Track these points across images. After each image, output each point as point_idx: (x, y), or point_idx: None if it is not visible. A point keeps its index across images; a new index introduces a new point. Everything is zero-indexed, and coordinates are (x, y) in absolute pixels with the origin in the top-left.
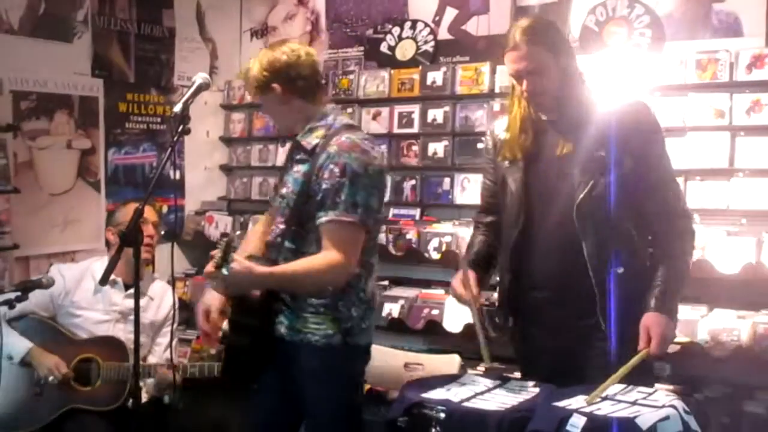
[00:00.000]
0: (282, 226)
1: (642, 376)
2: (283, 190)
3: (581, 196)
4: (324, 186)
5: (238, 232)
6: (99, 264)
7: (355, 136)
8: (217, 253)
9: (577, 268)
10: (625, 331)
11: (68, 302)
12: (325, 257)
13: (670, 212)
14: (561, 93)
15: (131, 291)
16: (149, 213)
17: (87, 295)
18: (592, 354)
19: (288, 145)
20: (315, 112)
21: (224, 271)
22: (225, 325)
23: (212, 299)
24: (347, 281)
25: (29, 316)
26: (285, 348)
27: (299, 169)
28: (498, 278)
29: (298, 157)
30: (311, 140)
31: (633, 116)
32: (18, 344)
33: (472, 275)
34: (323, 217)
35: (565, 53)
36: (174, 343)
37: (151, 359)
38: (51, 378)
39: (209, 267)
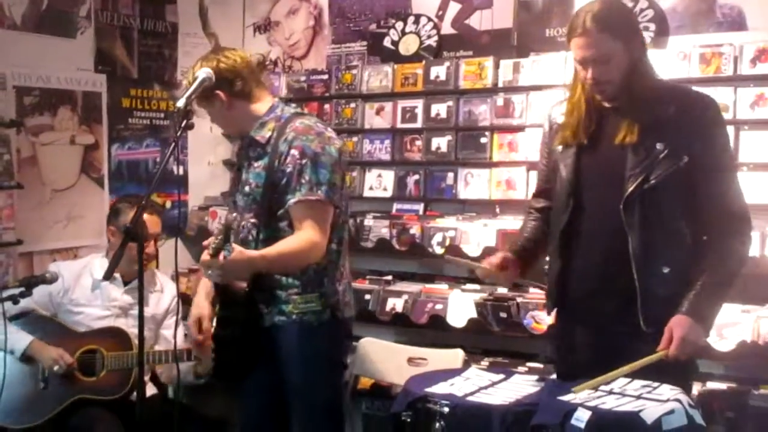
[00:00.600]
0: (253, 220)
1: (679, 379)
2: (246, 188)
3: (631, 188)
4: (288, 170)
5: (234, 214)
6: (98, 260)
7: (308, 121)
8: (212, 241)
9: (620, 263)
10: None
11: (67, 299)
12: (302, 236)
13: (726, 212)
14: (626, 81)
15: (130, 286)
16: (152, 224)
17: (86, 291)
18: (630, 357)
19: (237, 146)
20: (261, 109)
21: (225, 253)
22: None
23: (202, 308)
24: (328, 257)
25: (30, 313)
26: (273, 336)
27: (258, 164)
28: (547, 266)
29: (253, 153)
30: (264, 134)
31: (695, 110)
32: (18, 339)
33: (507, 256)
34: (291, 200)
35: (635, 40)
36: (180, 333)
37: (159, 348)
38: (56, 368)
39: (205, 256)
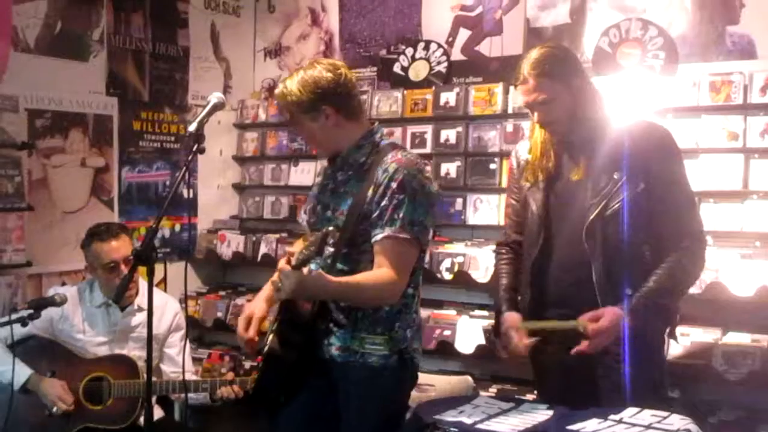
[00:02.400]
0: (332, 249)
1: (653, 400)
2: (328, 213)
3: (591, 217)
4: (383, 203)
5: (331, 228)
6: (88, 287)
7: (410, 155)
8: (300, 249)
9: (586, 288)
10: (634, 353)
11: (67, 326)
12: (383, 273)
13: (680, 231)
14: (574, 117)
15: (128, 309)
16: (122, 246)
17: (85, 317)
18: (601, 374)
19: (318, 165)
20: (359, 130)
21: (312, 267)
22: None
23: (257, 308)
24: (403, 301)
25: (36, 336)
26: (330, 369)
27: (347, 189)
28: (520, 296)
29: (342, 176)
30: (358, 158)
31: (646, 137)
32: (17, 372)
33: (518, 319)
34: (379, 234)
35: (577, 78)
36: (186, 353)
37: (165, 368)
38: (54, 409)
39: (284, 264)
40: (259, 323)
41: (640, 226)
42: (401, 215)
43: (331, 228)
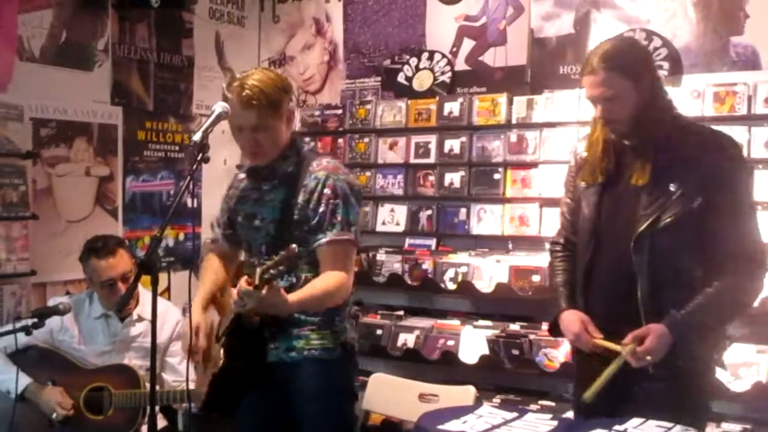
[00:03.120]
0: (267, 258)
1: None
2: (256, 222)
3: (641, 229)
4: (320, 209)
5: (294, 245)
6: (86, 298)
7: (333, 160)
8: (265, 267)
9: (630, 303)
10: (673, 376)
11: (67, 336)
12: (334, 277)
13: (738, 252)
14: (639, 117)
15: (128, 319)
16: (119, 263)
17: (85, 328)
18: (640, 394)
19: (243, 179)
20: (284, 139)
21: (282, 284)
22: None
23: (201, 319)
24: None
25: (37, 346)
26: (278, 372)
27: (272, 197)
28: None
29: (267, 186)
30: (286, 168)
31: (710, 148)
32: (15, 380)
33: (583, 316)
34: (323, 239)
35: (648, 77)
36: (191, 368)
37: (166, 377)
38: (54, 416)
39: (244, 284)
40: (205, 334)
41: (693, 244)
42: (339, 218)
43: (294, 245)
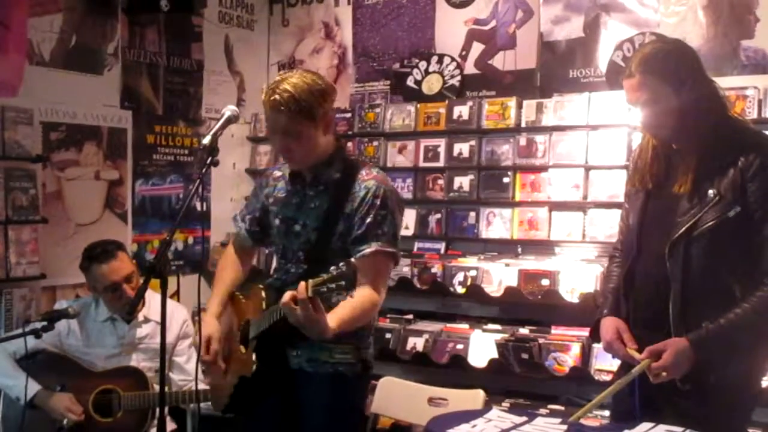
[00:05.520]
0: (304, 265)
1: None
2: (296, 227)
3: (676, 236)
4: (368, 220)
5: (353, 260)
6: (92, 302)
7: (381, 171)
8: (323, 278)
9: (662, 312)
10: (703, 394)
11: (74, 340)
12: (369, 297)
13: None
14: (682, 123)
15: (135, 321)
16: (122, 266)
17: (92, 331)
18: (668, 409)
19: (279, 178)
20: (331, 145)
21: (340, 299)
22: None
23: (212, 328)
24: None
25: (45, 350)
26: (297, 380)
27: (316, 204)
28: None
29: (312, 192)
30: (332, 174)
31: (753, 153)
32: (24, 387)
33: (620, 324)
34: (367, 249)
35: (692, 82)
36: (199, 368)
37: (173, 376)
38: (65, 422)
39: (289, 297)
40: (218, 343)
41: (730, 256)
42: (386, 230)
43: (353, 260)
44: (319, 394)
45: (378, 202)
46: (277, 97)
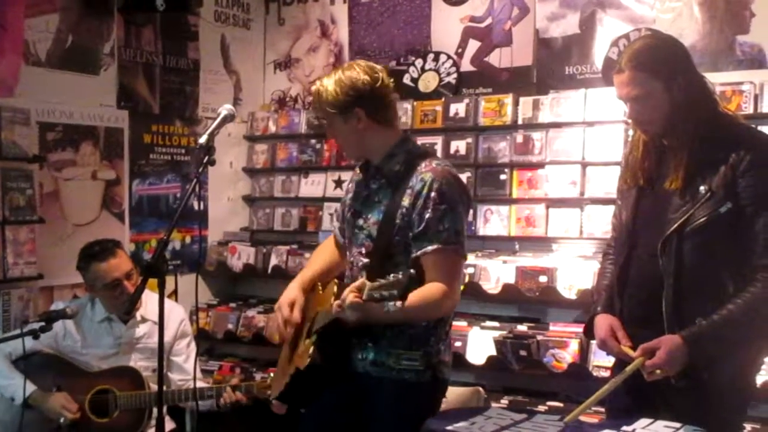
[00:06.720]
0: (365, 260)
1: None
2: (359, 221)
3: (668, 232)
4: (427, 215)
5: (413, 270)
6: (88, 302)
7: (443, 163)
8: (371, 285)
9: (655, 309)
10: (699, 391)
11: (71, 341)
12: (438, 288)
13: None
14: (672, 119)
15: (132, 321)
16: (121, 263)
17: (88, 332)
18: (662, 405)
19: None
20: (392, 137)
21: (390, 307)
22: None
23: (296, 294)
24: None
25: (41, 351)
26: (359, 382)
27: (379, 198)
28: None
29: (375, 185)
30: (392, 166)
31: (744, 148)
32: (19, 387)
33: (614, 322)
34: (428, 246)
35: (682, 77)
36: (196, 361)
37: (172, 376)
38: (62, 420)
39: (354, 298)
40: (299, 312)
41: (722, 251)
42: (446, 226)
43: (411, 271)
44: (382, 401)
45: (435, 195)
46: (312, 96)
